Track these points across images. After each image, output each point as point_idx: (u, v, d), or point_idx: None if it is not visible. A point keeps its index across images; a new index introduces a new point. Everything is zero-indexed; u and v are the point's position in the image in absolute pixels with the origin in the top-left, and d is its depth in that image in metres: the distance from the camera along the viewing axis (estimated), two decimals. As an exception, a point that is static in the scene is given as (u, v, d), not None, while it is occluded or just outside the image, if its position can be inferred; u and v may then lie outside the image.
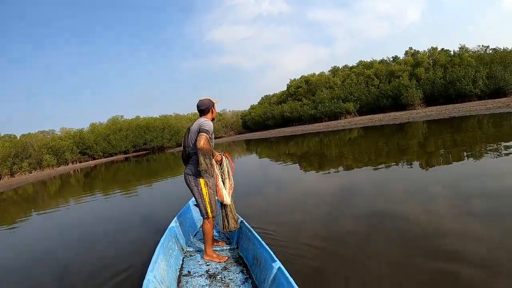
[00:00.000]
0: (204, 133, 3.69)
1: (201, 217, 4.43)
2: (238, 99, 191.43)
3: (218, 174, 4.16)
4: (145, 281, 2.74)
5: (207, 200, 3.90)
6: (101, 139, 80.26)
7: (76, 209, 11.92)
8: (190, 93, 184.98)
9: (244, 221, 4.38)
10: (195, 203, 4.44)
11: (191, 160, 3.98)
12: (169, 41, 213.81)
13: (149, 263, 3.12)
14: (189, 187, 4.03)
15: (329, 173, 9.85)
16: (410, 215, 5.03)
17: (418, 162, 9.44)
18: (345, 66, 74.64)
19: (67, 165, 72.95)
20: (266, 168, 13.37)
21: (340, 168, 10.33)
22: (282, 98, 78.21)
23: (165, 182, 15.09)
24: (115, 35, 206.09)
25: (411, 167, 8.81)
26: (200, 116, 4.04)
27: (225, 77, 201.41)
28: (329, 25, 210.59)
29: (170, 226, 4.38)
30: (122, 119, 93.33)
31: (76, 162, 75.62)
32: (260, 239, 3.59)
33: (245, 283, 3.33)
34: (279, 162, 14.36)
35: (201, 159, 3.67)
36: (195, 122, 3.95)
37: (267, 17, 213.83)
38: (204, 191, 3.89)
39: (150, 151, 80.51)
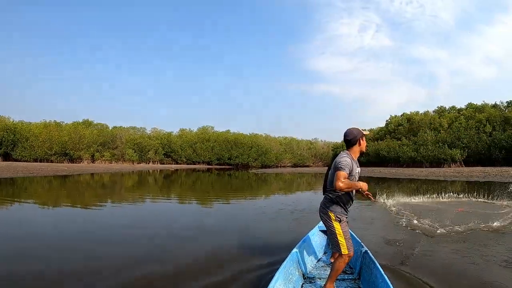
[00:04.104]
0: (338, 170, 3.67)
1: (327, 243, 5.57)
2: (330, 130, 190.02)
3: None
4: None
5: (339, 236, 3.90)
6: (187, 146, 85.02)
7: (154, 209, 12.44)
8: (281, 116, 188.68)
9: (368, 251, 4.41)
10: (322, 229, 5.46)
11: (326, 193, 4.09)
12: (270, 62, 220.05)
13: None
14: (321, 220, 4.13)
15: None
16: None
17: None
18: (453, 108, 70.24)
19: (148, 163, 78.28)
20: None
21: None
22: (379, 135, 75.88)
23: (243, 202, 14.97)
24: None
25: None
26: (347, 147, 4.07)
27: (318, 106, 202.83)
28: (431, 64, 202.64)
29: (292, 251, 4.53)
30: (212, 130, 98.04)
31: (157, 162, 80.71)
32: (382, 272, 3.65)
33: None
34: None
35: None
36: (339, 154, 4.00)
37: (368, 50, 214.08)
38: (336, 226, 3.91)
39: (233, 167, 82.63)
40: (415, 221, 8.58)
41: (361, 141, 4.02)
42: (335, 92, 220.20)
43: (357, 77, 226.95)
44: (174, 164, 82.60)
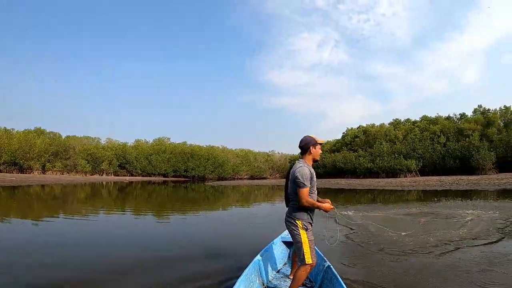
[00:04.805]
0: (300, 188, 3.76)
1: (288, 254, 5.63)
2: (287, 143, 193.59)
3: None
4: None
5: (304, 244, 3.89)
6: (142, 157, 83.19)
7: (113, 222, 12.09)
8: (240, 128, 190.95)
9: (331, 266, 4.36)
10: (284, 240, 5.61)
11: (290, 203, 4.08)
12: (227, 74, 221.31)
13: None
14: (288, 229, 4.12)
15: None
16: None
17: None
18: (407, 120, 74.17)
19: (101, 175, 75.96)
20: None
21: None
22: (336, 147, 78.15)
23: (200, 216, 14.80)
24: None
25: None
26: (301, 155, 4.11)
27: (276, 118, 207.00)
28: (387, 78, 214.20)
29: (255, 259, 4.55)
30: (168, 142, 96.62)
31: (111, 174, 78.44)
32: (345, 287, 3.61)
33: None
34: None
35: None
36: (294, 164, 4.03)
37: (327, 66, 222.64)
38: (303, 234, 3.90)
39: (190, 179, 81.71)
40: (381, 234, 8.34)
41: (313, 149, 4.01)
42: (293, 105, 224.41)
43: (315, 91, 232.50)
44: (129, 176, 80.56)
